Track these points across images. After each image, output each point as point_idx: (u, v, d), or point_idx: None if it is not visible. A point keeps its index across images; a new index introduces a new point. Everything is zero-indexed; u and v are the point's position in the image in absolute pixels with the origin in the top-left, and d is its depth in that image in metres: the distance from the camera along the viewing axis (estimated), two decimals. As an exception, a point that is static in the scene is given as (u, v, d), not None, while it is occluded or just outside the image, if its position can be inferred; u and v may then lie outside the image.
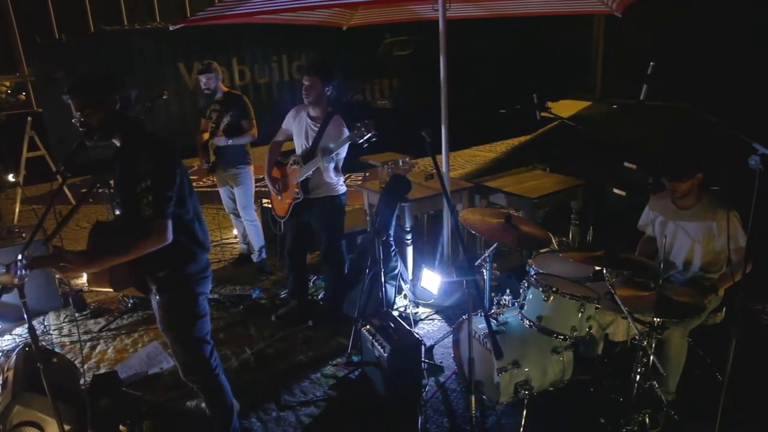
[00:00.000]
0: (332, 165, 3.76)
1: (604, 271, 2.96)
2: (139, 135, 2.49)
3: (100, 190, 4.48)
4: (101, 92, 2.40)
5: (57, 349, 4.01)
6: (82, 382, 3.41)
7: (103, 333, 4.27)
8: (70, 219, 2.40)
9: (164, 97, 4.76)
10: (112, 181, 4.64)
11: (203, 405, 3.07)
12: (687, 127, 7.29)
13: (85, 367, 3.82)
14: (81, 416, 2.92)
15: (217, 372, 2.78)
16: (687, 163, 3.15)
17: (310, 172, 3.82)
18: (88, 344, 4.12)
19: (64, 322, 4.45)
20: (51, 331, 4.32)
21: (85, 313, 4.55)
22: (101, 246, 2.42)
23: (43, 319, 4.50)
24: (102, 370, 3.77)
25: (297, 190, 3.91)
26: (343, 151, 3.86)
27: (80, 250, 2.38)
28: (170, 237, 2.36)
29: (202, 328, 2.69)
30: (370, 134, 3.55)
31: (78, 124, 2.42)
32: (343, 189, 4.03)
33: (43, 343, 4.11)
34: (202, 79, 4.81)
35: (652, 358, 2.89)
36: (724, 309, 3.30)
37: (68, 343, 4.16)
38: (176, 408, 3.38)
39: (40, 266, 2.32)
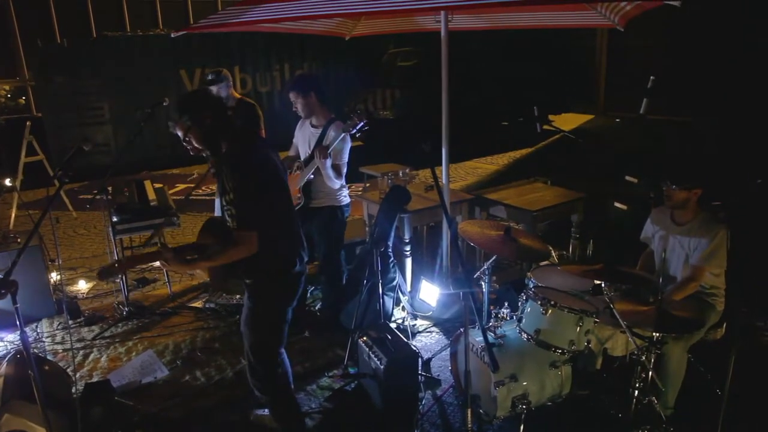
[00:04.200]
0: (329, 162, 3.73)
1: (603, 285, 2.94)
2: (234, 146, 2.55)
3: (98, 197, 4.44)
4: (191, 112, 2.51)
5: (49, 357, 3.97)
6: (74, 390, 3.37)
7: (97, 341, 4.22)
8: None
9: (165, 104, 4.75)
10: (110, 188, 4.66)
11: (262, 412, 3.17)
12: (693, 141, 7.31)
13: (78, 375, 3.77)
14: (72, 425, 2.88)
15: (280, 382, 2.84)
16: (691, 171, 3.14)
17: (311, 175, 3.83)
18: (81, 352, 4.08)
19: (57, 330, 4.40)
20: (44, 339, 4.27)
21: (78, 320, 4.50)
22: (207, 239, 2.57)
23: (36, 326, 4.45)
24: (95, 379, 3.72)
25: (299, 195, 3.90)
26: (345, 154, 3.85)
27: (184, 245, 2.57)
28: (255, 248, 2.45)
29: (276, 339, 2.78)
30: (362, 123, 3.61)
31: (192, 152, 2.61)
32: (346, 200, 4.02)
33: (35, 350, 4.07)
34: (213, 89, 4.78)
35: (651, 373, 2.86)
36: (725, 325, 3.27)
37: (61, 350, 4.12)
38: (170, 418, 3.34)
39: (143, 262, 2.67)
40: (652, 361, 2.85)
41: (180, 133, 2.55)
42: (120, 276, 4.48)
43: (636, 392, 2.90)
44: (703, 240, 3.10)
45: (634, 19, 4.21)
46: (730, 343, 2.43)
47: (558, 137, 10.98)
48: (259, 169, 2.51)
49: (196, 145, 2.56)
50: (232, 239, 2.46)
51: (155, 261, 2.51)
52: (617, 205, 5.22)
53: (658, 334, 2.79)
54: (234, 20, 3.45)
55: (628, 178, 5.20)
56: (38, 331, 4.39)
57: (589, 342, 3.06)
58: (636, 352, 2.85)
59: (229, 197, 2.44)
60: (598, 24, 4.50)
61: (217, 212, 5.11)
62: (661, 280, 2.98)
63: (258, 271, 2.63)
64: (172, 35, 3.89)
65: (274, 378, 2.81)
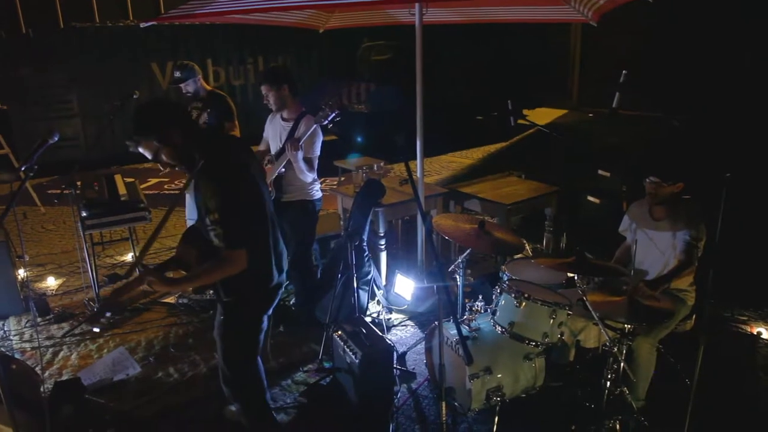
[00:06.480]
0: (301, 155, 3.69)
1: (576, 278, 2.97)
2: (210, 161, 2.39)
3: (66, 192, 4.34)
4: (158, 131, 2.35)
5: (17, 356, 3.87)
6: (42, 389, 3.29)
7: (67, 338, 4.13)
8: (155, 239, 2.46)
9: (135, 97, 4.65)
10: (79, 183, 4.54)
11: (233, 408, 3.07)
12: (672, 136, 7.43)
13: (47, 373, 3.69)
14: (40, 425, 2.81)
15: (253, 392, 2.80)
16: (678, 165, 3.17)
17: (282, 168, 3.79)
18: (51, 350, 3.98)
19: (25, 328, 4.29)
20: (11, 337, 4.16)
21: (48, 318, 4.40)
22: (189, 252, 2.52)
23: (3, 324, 4.34)
24: (65, 377, 3.64)
25: (271, 189, 3.85)
26: (317, 147, 3.82)
27: (165, 262, 2.55)
28: (245, 265, 2.36)
29: (250, 349, 2.73)
30: (333, 114, 3.58)
31: (163, 168, 2.53)
32: (318, 195, 3.99)
33: (2, 348, 3.97)
34: (182, 86, 4.71)
35: (622, 364, 2.91)
36: (694, 317, 3.34)
37: (29, 348, 4.02)
38: (143, 416, 3.29)
39: (126, 294, 2.39)
40: (624, 352, 2.89)
41: (147, 153, 2.40)
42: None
43: (608, 383, 2.94)
44: (679, 232, 3.14)
45: (608, 14, 4.26)
46: (699, 334, 2.48)
47: (532, 131, 11.07)
48: (240, 184, 2.41)
49: (168, 161, 2.45)
50: (219, 257, 2.36)
51: (140, 287, 2.37)
52: (590, 198, 5.28)
53: (629, 326, 2.83)
54: (204, 11, 3.39)
55: (600, 172, 5.26)
56: (5, 329, 4.28)
57: (562, 334, 3.10)
58: (608, 344, 2.89)
59: (214, 217, 2.32)
60: (572, 19, 4.53)
61: (188, 208, 5.04)
62: (632, 272, 3.02)
63: (236, 288, 2.55)
64: (142, 26, 3.82)
65: (246, 387, 2.77)
